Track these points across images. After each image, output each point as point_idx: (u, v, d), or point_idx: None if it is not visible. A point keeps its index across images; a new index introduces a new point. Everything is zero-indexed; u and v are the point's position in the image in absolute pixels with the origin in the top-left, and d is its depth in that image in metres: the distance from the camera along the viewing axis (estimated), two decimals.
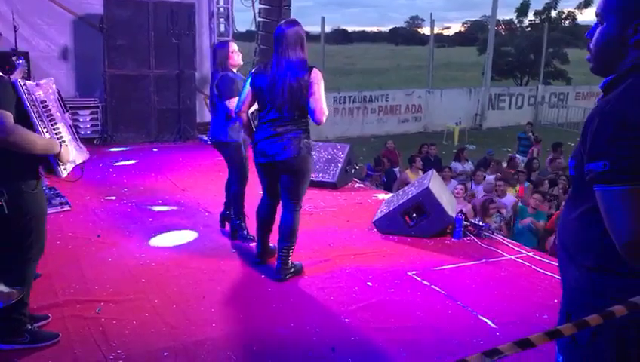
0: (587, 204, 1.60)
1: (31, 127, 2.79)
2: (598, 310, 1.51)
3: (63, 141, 2.97)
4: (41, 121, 2.87)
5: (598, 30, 1.65)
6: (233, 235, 5.02)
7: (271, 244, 4.44)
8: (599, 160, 1.48)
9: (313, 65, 3.91)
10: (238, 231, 5.00)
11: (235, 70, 4.91)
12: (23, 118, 2.77)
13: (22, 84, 2.81)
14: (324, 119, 3.87)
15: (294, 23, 3.96)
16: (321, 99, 3.85)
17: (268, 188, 4.25)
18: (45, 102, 2.97)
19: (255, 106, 4.16)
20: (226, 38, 5.53)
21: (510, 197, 7.75)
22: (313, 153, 4.09)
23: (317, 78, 3.85)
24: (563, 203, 6.84)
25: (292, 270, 4.21)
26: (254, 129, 4.12)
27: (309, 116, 3.95)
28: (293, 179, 4.03)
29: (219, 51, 4.95)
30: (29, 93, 2.83)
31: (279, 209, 4.25)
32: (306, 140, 3.96)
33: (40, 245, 3.06)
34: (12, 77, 3.05)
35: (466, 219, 5.26)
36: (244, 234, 4.96)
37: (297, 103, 3.85)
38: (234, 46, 4.97)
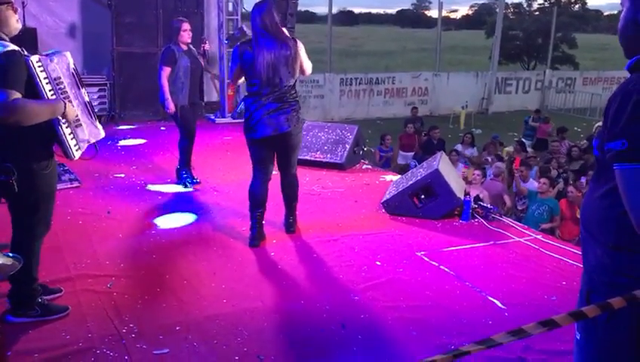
0: (609, 183, 1.61)
1: None
2: (619, 288, 1.52)
3: (70, 101, 2.93)
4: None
5: (621, 15, 1.68)
6: (178, 180, 5.88)
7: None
8: (618, 138, 1.49)
9: (293, 37, 4.22)
10: (181, 177, 5.83)
11: (182, 46, 5.62)
12: (34, 96, 2.75)
13: (34, 60, 2.76)
14: (310, 69, 4.33)
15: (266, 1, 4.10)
16: (305, 60, 4.25)
17: (265, 164, 4.32)
18: (59, 78, 2.92)
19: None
20: (180, 18, 5.85)
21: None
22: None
23: (301, 47, 4.18)
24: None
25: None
26: (246, 107, 4.22)
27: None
28: (292, 150, 4.33)
29: (173, 27, 5.69)
30: (42, 70, 2.79)
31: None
32: (300, 111, 4.26)
33: (46, 223, 3.08)
34: None
35: (477, 202, 5.26)
36: (188, 180, 5.80)
37: (289, 75, 4.08)
38: (185, 25, 5.65)
